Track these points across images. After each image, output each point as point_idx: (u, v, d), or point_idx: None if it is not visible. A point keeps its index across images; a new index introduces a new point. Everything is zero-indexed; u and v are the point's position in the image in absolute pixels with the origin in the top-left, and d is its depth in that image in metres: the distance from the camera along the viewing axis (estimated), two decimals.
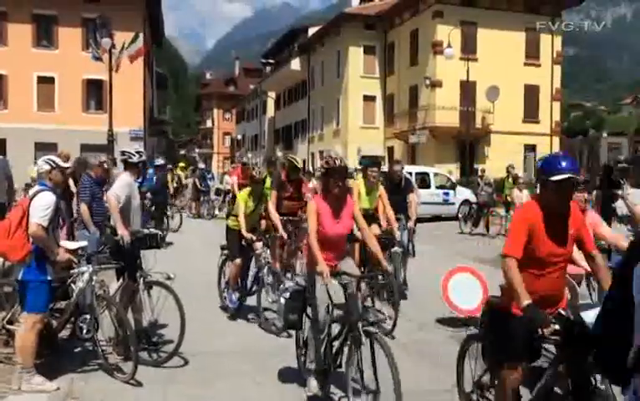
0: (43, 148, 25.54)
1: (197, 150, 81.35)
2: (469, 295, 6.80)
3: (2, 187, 9.33)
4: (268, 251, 7.22)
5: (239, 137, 72.40)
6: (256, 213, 7.38)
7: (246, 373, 5.33)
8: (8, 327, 5.38)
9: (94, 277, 5.25)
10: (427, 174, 21.32)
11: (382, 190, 7.85)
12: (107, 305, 5.32)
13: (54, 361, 5.25)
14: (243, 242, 7.09)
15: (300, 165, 8.72)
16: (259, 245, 7.04)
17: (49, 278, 4.86)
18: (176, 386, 4.99)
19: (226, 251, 7.60)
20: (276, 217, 7.77)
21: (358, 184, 7.78)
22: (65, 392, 4.81)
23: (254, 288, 7.22)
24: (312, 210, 4.56)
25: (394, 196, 8.29)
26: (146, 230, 6.27)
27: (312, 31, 45.74)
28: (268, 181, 9.88)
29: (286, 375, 5.26)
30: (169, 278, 5.57)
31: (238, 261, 7.16)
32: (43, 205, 4.76)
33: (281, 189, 8.36)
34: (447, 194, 20.94)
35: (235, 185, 13.42)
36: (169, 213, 15.49)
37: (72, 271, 5.25)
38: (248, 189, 7.29)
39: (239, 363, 5.60)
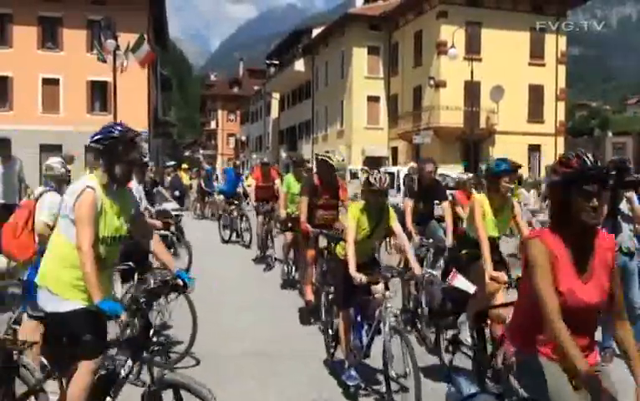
0: (47, 149, 25.66)
1: (201, 151, 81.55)
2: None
3: (15, 189, 9.34)
4: (389, 297, 4.49)
5: (243, 138, 72.60)
6: (374, 239, 5.02)
7: (255, 377, 5.30)
8: (15, 327, 5.40)
9: None
10: None
11: (517, 208, 5.13)
12: None
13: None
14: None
15: (336, 164, 6.85)
16: (379, 288, 4.63)
17: None
18: None
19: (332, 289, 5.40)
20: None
21: (481, 200, 4.95)
22: None
23: (372, 343, 4.73)
24: (541, 259, 2.49)
25: (422, 205, 6.92)
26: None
27: (316, 32, 45.81)
28: (291, 185, 8.76)
29: (296, 381, 5.22)
30: None
31: (347, 312, 4.87)
32: (49, 205, 4.80)
33: (313, 195, 6.85)
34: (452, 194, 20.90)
35: (252, 190, 11.59)
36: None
37: None
38: (361, 203, 4.90)
39: (250, 367, 5.58)
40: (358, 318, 4.90)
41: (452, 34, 27.85)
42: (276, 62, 54.31)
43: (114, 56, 22.41)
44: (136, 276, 5.75)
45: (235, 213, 14.16)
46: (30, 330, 4.80)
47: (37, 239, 4.77)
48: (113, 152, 3.31)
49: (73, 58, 31.95)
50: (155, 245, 3.69)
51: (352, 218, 4.75)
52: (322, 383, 5.13)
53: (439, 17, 32.68)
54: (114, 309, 3.12)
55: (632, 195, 5.71)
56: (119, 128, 3.39)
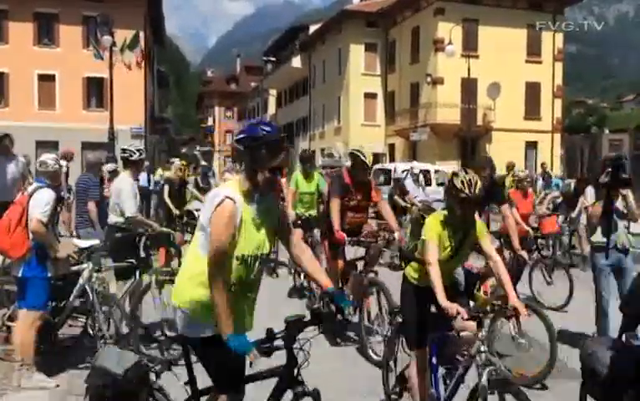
0: (44, 146, 25.57)
1: (198, 148, 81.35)
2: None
3: (10, 186, 9.28)
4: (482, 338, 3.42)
5: None
6: (458, 261, 4.00)
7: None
8: (9, 323, 5.39)
9: (95, 275, 5.27)
10: (428, 171, 21.51)
11: None
12: (106, 302, 5.33)
13: (54, 358, 5.25)
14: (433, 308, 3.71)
15: (370, 161, 6.05)
16: (471, 325, 3.53)
17: (49, 275, 4.88)
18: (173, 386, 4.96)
19: (399, 318, 4.32)
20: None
21: None
22: (65, 389, 4.81)
23: (454, 394, 3.65)
24: None
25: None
26: (159, 229, 6.25)
27: (313, 28, 45.72)
28: (300, 183, 8.57)
29: None
30: None
31: (423, 352, 3.90)
32: (42, 201, 4.78)
33: (344, 196, 5.96)
34: None
35: None
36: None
37: (72, 269, 5.27)
38: (441, 213, 3.83)
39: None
40: (433, 360, 3.84)
41: (449, 31, 27.83)
42: (273, 58, 54.17)
43: (111, 52, 22.36)
44: (137, 274, 5.69)
45: None
46: (25, 326, 4.79)
47: (30, 236, 4.74)
48: (255, 155, 2.81)
49: (69, 54, 31.84)
50: (308, 262, 3.14)
51: (433, 234, 3.68)
52: (325, 384, 5.09)
53: (437, 13, 32.65)
54: (243, 347, 2.72)
55: (628, 192, 5.72)
56: (265, 128, 2.87)
